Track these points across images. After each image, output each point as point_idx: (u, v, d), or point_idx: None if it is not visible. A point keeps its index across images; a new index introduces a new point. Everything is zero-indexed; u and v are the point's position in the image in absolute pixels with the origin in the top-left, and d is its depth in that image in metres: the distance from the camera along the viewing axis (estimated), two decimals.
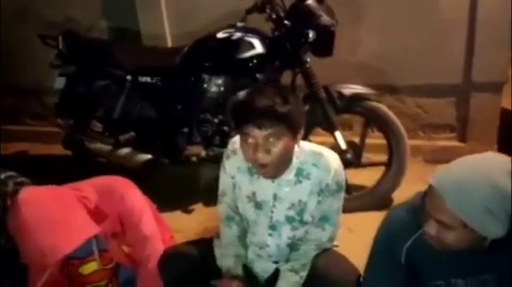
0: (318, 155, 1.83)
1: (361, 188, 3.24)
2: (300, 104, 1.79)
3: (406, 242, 1.54)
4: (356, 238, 2.80)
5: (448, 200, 1.30)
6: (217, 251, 1.97)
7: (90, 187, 1.98)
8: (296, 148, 1.82)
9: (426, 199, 1.39)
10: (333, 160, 1.84)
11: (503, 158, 1.38)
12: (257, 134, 1.66)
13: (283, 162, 1.77)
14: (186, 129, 3.22)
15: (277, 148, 1.68)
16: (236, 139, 1.83)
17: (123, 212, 1.97)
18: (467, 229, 1.31)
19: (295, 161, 1.82)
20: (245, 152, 1.74)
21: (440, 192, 1.32)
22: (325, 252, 1.90)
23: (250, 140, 1.68)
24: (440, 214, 1.34)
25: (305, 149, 1.85)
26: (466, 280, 1.53)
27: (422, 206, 1.46)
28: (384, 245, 1.62)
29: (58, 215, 1.74)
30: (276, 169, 1.76)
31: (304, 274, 1.84)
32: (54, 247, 1.70)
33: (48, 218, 1.72)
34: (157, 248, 2.01)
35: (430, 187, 1.37)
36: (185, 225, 3.08)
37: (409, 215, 1.54)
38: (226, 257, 1.93)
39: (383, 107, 3.05)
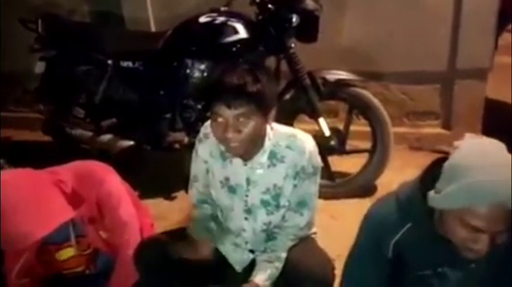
0: (291, 137, 1.80)
1: (345, 175, 3.23)
2: (272, 83, 1.75)
3: (394, 237, 1.51)
4: (339, 225, 2.82)
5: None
6: (191, 233, 1.93)
7: (68, 171, 1.94)
8: (269, 130, 1.79)
9: (465, 219, 1.30)
10: (308, 141, 1.80)
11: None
12: (227, 113, 1.63)
13: (254, 142, 1.73)
14: (168, 115, 3.18)
15: (248, 127, 1.65)
16: (209, 123, 1.79)
17: (101, 197, 1.94)
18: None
19: (267, 143, 1.79)
20: (215, 131, 1.71)
21: (498, 202, 1.25)
22: (299, 244, 1.87)
23: (220, 119, 1.65)
24: (498, 224, 1.29)
25: (278, 131, 1.82)
26: (453, 269, 1.51)
27: (410, 200, 1.44)
28: (369, 240, 1.60)
29: (32, 199, 1.71)
30: (246, 147, 1.72)
31: (280, 265, 1.81)
32: (27, 231, 1.67)
33: (22, 201, 1.68)
34: (135, 234, 1.98)
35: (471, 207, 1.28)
36: (167, 212, 3.06)
37: (395, 210, 1.51)
38: (198, 234, 1.89)
39: (367, 94, 3.04)
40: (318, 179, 1.87)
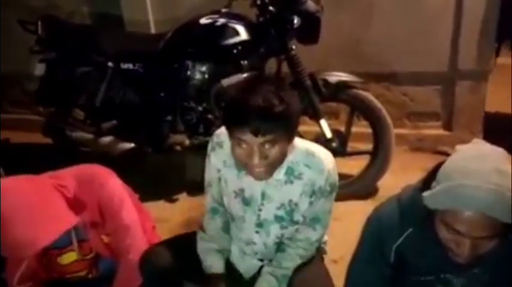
0: (310, 155, 1.72)
1: (346, 177, 3.21)
2: (296, 99, 1.62)
3: (396, 241, 1.51)
4: (341, 227, 2.81)
5: (492, 212, 1.22)
6: (200, 244, 1.90)
7: (69, 176, 1.92)
8: None
9: (448, 221, 1.30)
10: (327, 160, 1.73)
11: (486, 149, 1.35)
12: (253, 140, 1.52)
13: (278, 163, 1.67)
14: (169, 118, 3.17)
15: (273, 152, 1.57)
16: (222, 131, 1.73)
17: (103, 201, 1.91)
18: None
19: (285, 159, 1.70)
20: (237, 156, 1.60)
21: (478, 209, 1.23)
22: (304, 268, 1.82)
23: (244, 146, 1.55)
24: (479, 231, 1.27)
25: (297, 146, 1.73)
26: (456, 275, 1.50)
27: (411, 204, 1.43)
28: (371, 244, 1.59)
29: (35, 206, 1.68)
30: (271, 171, 1.66)
31: (283, 285, 1.77)
32: (31, 240, 1.64)
33: (25, 209, 1.65)
34: (137, 238, 1.96)
35: (453, 211, 1.28)
36: (169, 214, 3.06)
37: (397, 214, 1.50)
38: (209, 253, 1.86)
39: (369, 95, 3.03)
40: (334, 196, 1.80)
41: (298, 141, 1.76)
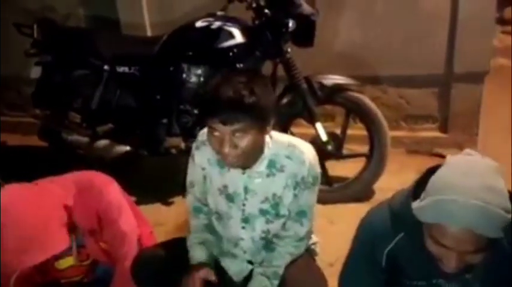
0: (291, 147, 1.77)
1: (342, 179, 3.23)
2: (269, 92, 1.70)
3: (387, 247, 1.51)
4: (337, 229, 2.82)
5: (478, 229, 1.23)
6: (188, 242, 1.93)
7: (69, 182, 1.91)
8: (267, 139, 1.76)
9: (434, 235, 1.31)
10: (307, 151, 1.77)
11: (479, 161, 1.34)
12: (223, 129, 1.60)
13: (252, 153, 1.71)
14: (165, 121, 3.17)
15: (245, 142, 1.62)
16: (206, 130, 1.75)
17: (101, 208, 1.91)
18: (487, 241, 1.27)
19: (266, 152, 1.76)
20: (212, 144, 1.69)
21: (464, 225, 1.23)
22: (295, 265, 1.84)
23: (216, 134, 1.62)
24: (465, 245, 1.27)
25: (277, 140, 1.78)
26: (448, 280, 1.50)
27: (402, 210, 1.43)
28: (363, 248, 1.60)
29: (34, 221, 1.67)
30: (244, 160, 1.70)
31: (275, 282, 1.79)
32: (24, 255, 1.64)
33: (23, 222, 1.64)
34: (135, 245, 1.96)
35: (439, 224, 1.28)
36: (165, 218, 3.06)
37: (388, 219, 1.51)
38: (194, 248, 1.89)
39: (364, 98, 3.04)
40: (317, 189, 1.84)
41: (279, 135, 1.82)
